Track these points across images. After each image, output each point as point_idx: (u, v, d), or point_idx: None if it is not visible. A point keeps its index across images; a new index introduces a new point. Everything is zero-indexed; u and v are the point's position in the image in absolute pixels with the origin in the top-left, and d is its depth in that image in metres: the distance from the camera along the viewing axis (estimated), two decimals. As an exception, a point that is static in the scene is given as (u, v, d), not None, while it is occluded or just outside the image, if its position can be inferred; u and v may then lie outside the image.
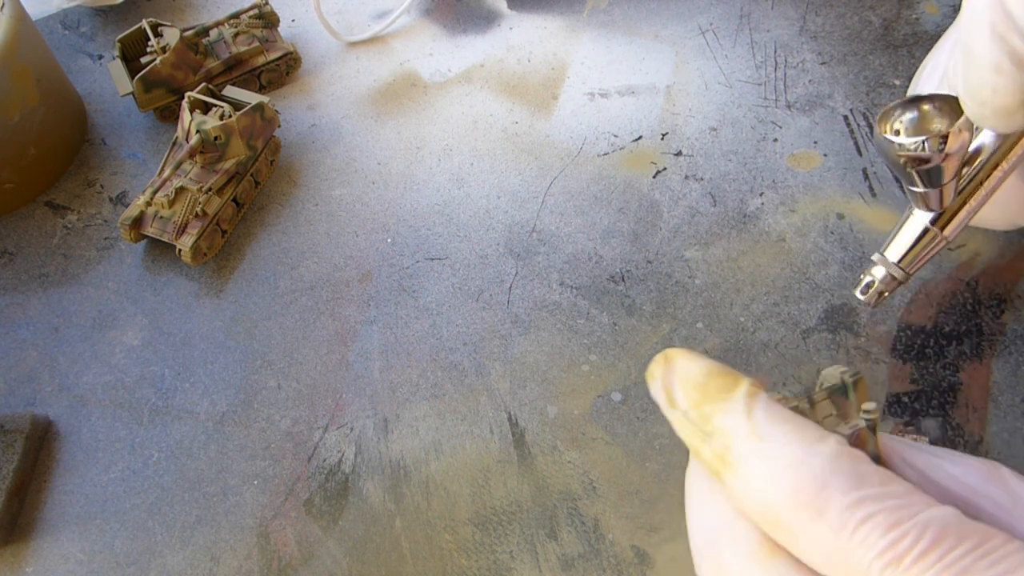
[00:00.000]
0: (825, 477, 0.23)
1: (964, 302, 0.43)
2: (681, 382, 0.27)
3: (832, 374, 0.33)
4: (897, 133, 0.29)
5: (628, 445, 0.40)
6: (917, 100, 0.30)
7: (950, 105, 0.29)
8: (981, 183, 0.32)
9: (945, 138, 0.28)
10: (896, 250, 0.35)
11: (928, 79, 0.41)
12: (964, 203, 0.33)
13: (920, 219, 0.34)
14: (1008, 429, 0.39)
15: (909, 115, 0.30)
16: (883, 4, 0.56)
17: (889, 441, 0.33)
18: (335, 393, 0.42)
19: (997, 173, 0.32)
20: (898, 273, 0.35)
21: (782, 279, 0.45)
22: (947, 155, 0.29)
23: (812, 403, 0.31)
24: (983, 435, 0.39)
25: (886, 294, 0.36)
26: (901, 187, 0.48)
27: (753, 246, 0.46)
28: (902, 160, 0.29)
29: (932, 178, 0.30)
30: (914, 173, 0.30)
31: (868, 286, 0.36)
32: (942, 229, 0.33)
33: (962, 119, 0.28)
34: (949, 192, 0.31)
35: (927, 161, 0.29)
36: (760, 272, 0.45)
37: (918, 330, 0.43)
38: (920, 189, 0.31)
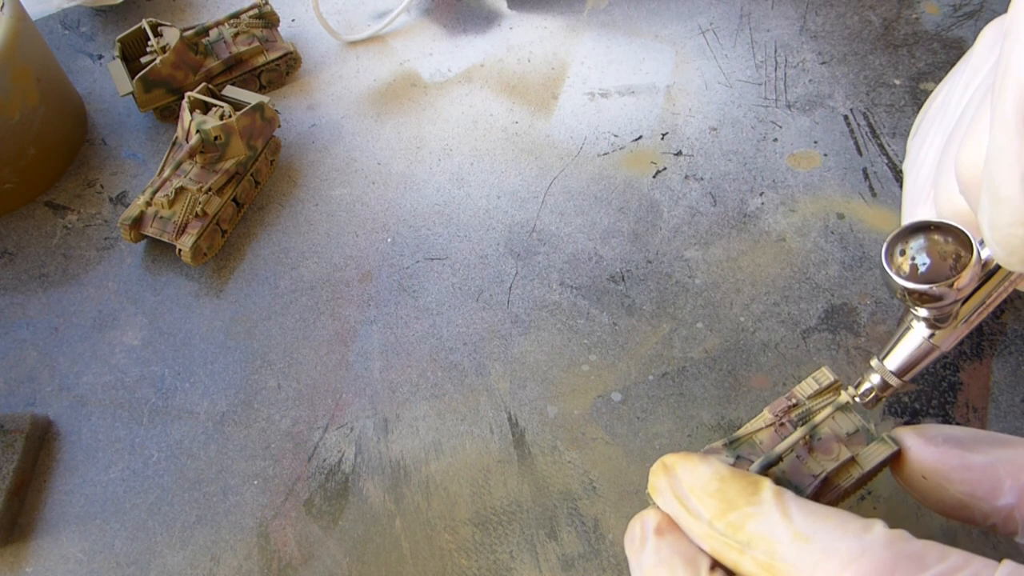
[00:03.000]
0: (889, 566, 0.23)
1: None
2: (694, 492, 0.27)
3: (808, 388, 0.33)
4: (903, 273, 0.28)
5: (628, 445, 0.40)
6: (924, 231, 0.28)
7: (962, 238, 0.27)
8: (984, 301, 0.31)
9: (955, 280, 0.27)
10: (895, 360, 0.35)
11: (926, 144, 0.39)
12: (966, 318, 0.32)
13: (919, 333, 0.33)
14: (1008, 429, 0.39)
15: (916, 252, 0.28)
16: (883, 4, 0.56)
17: (938, 443, 0.30)
18: (335, 393, 0.42)
19: (1000, 290, 0.31)
20: (894, 381, 0.35)
21: (782, 279, 0.45)
22: (958, 291, 0.27)
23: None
24: (983, 435, 0.39)
25: (883, 399, 0.36)
26: (902, 188, 0.48)
27: (753, 246, 0.46)
28: (908, 298, 0.28)
29: (940, 310, 0.29)
30: (920, 307, 0.29)
31: (868, 392, 0.36)
32: (940, 343, 0.33)
33: (975, 257, 0.27)
34: (952, 315, 0.31)
35: (935, 300, 0.28)
36: (760, 272, 0.45)
37: (918, 330, 0.43)
38: (923, 315, 0.31)
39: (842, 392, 0.32)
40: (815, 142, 0.50)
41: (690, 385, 0.42)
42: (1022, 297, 0.43)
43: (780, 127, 0.51)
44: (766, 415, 0.33)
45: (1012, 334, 0.42)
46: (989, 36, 0.37)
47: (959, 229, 0.28)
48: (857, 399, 0.35)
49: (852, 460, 0.31)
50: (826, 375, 0.33)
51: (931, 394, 0.41)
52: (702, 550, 0.27)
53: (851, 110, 0.51)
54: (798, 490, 0.31)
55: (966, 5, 0.56)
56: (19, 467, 0.39)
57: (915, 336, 0.33)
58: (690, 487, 0.27)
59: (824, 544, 0.24)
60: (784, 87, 0.53)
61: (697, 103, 0.52)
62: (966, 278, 0.27)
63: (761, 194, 0.48)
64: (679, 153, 0.50)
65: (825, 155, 0.49)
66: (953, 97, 0.38)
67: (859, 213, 0.47)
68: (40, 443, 0.41)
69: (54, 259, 0.47)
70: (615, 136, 0.51)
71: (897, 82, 0.52)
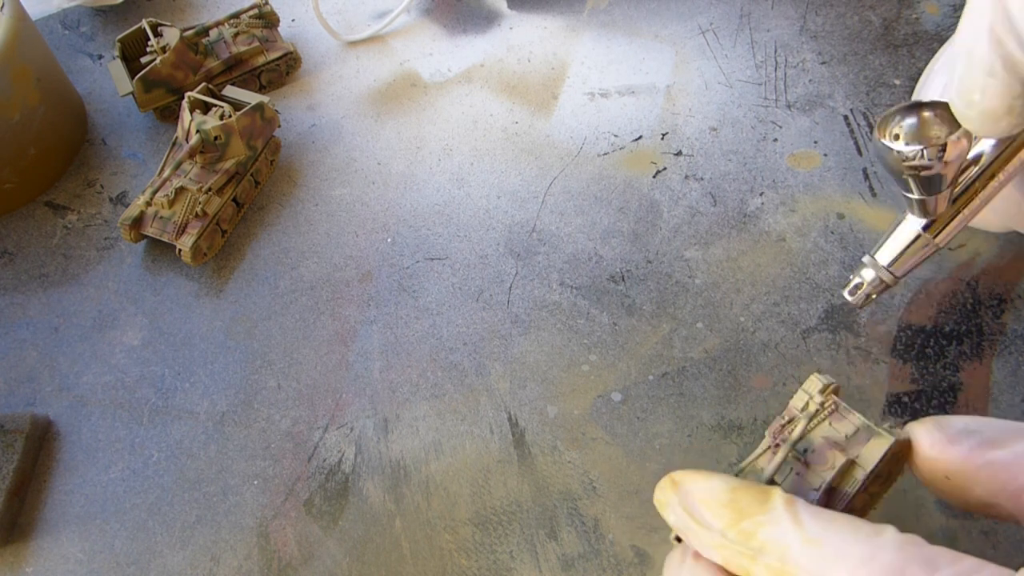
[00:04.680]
0: (900, 568, 0.23)
1: (964, 302, 0.43)
2: (705, 504, 0.27)
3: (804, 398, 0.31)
4: (896, 139, 0.29)
5: (628, 445, 0.40)
6: (917, 107, 0.29)
7: (950, 113, 0.29)
8: (976, 192, 0.32)
9: (944, 147, 0.28)
10: (887, 253, 0.35)
11: (931, 84, 0.41)
12: (958, 211, 0.32)
13: (913, 224, 0.34)
14: (1008, 429, 0.39)
15: (908, 121, 0.29)
16: (883, 4, 0.56)
17: (961, 441, 0.28)
18: (335, 393, 0.42)
19: (993, 183, 0.32)
20: (887, 276, 0.35)
21: (782, 279, 0.45)
22: (945, 163, 0.28)
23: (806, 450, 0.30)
24: (983, 435, 0.39)
25: (874, 296, 0.36)
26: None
27: (753, 246, 0.46)
28: (900, 167, 0.29)
29: (929, 186, 0.30)
30: (911, 180, 0.30)
31: (856, 287, 0.36)
32: (934, 236, 0.33)
33: (961, 128, 0.28)
34: (944, 200, 0.31)
35: (925, 169, 0.29)
36: (760, 272, 0.45)
37: (918, 330, 0.43)
38: (915, 196, 0.31)
39: (809, 403, 0.31)
40: (815, 142, 0.50)
41: (690, 385, 0.42)
42: (1022, 297, 0.43)
43: (780, 127, 0.51)
44: (766, 439, 0.32)
45: (1012, 334, 0.42)
46: None
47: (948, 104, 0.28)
48: (847, 298, 0.34)
49: (852, 463, 0.30)
50: (814, 382, 0.31)
51: (931, 394, 0.41)
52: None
53: (851, 110, 0.51)
54: None
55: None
56: (19, 467, 0.39)
57: (908, 227, 0.34)
58: (702, 499, 0.27)
59: (835, 548, 0.24)
60: (784, 87, 0.53)
61: (697, 103, 0.52)
62: (954, 150, 0.28)
63: (761, 194, 0.48)
64: (679, 153, 0.50)
65: (825, 155, 0.49)
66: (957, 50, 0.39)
67: (859, 213, 0.47)
68: (40, 443, 0.41)
69: (54, 259, 0.47)
70: (615, 136, 0.51)
71: (897, 82, 0.52)
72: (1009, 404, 0.40)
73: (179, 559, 0.38)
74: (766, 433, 0.32)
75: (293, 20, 0.58)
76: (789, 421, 0.31)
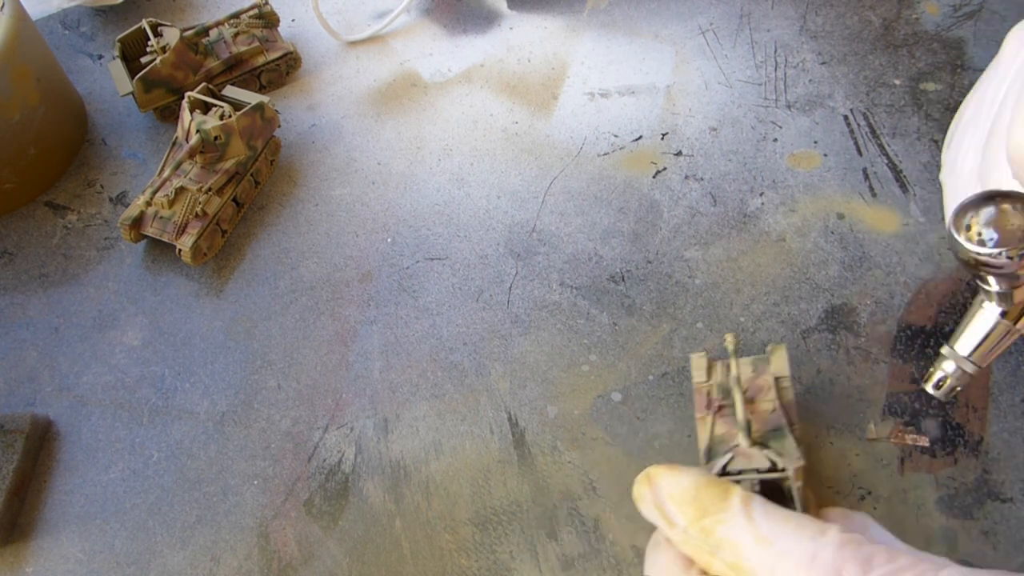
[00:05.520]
0: (838, 566, 0.25)
1: (964, 302, 0.43)
2: (673, 500, 0.29)
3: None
4: (973, 236, 0.28)
5: (628, 445, 0.40)
6: (994, 198, 0.28)
7: None
8: None
9: None
10: (966, 344, 0.34)
11: (965, 139, 0.39)
12: None
13: (990, 312, 0.32)
14: (1008, 429, 0.39)
15: (986, 216, 0.28)
16: (883, 4, 0.56)
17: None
18: (335, 393, 0.42)
19: None
20: (969, 367, 0.34)
21: (782, 279, 0.45)
22: None
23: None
24: (983, 435, 0.39)
25: (959, 388, 0.35)
26: (902, 188, 0.48)
27: (753, 246, 0.46)
28: (977, 265, 0.28)
29: (1008, 281, 0.29)
30: (989, 276, 0.29)
31: (941, 381, 0.35)
32: (1015, 322, 0.32)
33: None
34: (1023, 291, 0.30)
35: (1004, 268, 0.28)
36: (760, 272, 0.45)
37: (918, 330, 0.43)
38: (993, 288, 0.30)
39: (727, 337, 0.35)
40: (815, 142, 0.50)
41: (690, 385, 0.42)
42: None
43: (780, 127, 0.51)
44: (705, 417, 0.36)
45: (1012, 334, 0.42)
46: (1013, 42, 0.38)
47: None
48: (932, 392, 0.34)
49: (777, 378, 0.36)
50: (700, 358, 0.38)
51: (931, 394, 0.41)
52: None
53: (851, 110, 0.51)
54: (781, 431, 0.34)
55: (966, 5, 0.56)
56: (19, 467, 0.39)
57: (985, 315, 0.33)
58: (669, 495, 0.29)
59: (782, 546, 0.26)
60: (784, 87, 0.53)
61: (697, 103, 0.52)
62: None
63: (761, 194, 0.48)
64: (679, 153, 0.50)
65: (825, 155, 0.49)
66: (986, 101, 0.39)
67: (859, 213, 0.47)
68: (40, 443, 0.41)
69: (54, 259, 0.47)
70: (615, 136, 0.51)
71: (897, 82, 0.52)
72: (1009, 404, 0.40)
73: (179, 559, 0.38)
74: (697, 415, 0.36)
75: (293, 20, 0.58)
76: (708, 393, 0.36)
